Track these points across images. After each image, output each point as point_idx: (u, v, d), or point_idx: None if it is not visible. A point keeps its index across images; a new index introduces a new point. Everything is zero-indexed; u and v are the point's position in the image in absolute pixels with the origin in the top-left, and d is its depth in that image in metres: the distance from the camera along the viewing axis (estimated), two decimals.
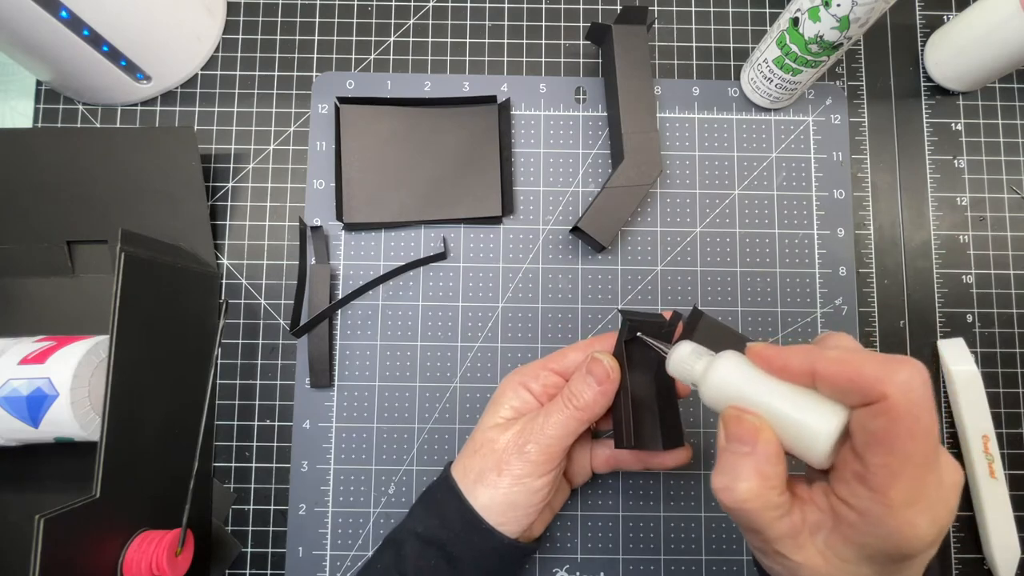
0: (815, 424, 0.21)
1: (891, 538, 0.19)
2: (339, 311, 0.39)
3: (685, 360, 0.25)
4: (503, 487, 0.29)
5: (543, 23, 0.42)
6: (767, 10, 0.43)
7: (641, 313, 0.31)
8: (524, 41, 0.42)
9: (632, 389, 0.30)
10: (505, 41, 0.42)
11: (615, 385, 0.29)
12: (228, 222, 0.40)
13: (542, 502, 0.30)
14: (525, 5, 0.42)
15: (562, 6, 0.43)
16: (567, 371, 0.32)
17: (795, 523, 0.21)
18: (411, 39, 0.42)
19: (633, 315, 0.30)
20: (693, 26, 0.42)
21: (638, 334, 0.29)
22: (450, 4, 0.42)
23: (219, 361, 0.39)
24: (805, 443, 0.21)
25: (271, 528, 0.38)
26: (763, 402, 0.22)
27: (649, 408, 0.30)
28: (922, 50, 0.42)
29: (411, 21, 0.42)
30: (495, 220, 0.40)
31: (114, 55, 0.37)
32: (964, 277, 0.40)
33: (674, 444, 0.30)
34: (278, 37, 0.42)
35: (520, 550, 0.30)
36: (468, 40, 0.42)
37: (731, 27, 0.42)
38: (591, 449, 0.34)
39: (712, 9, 0.43)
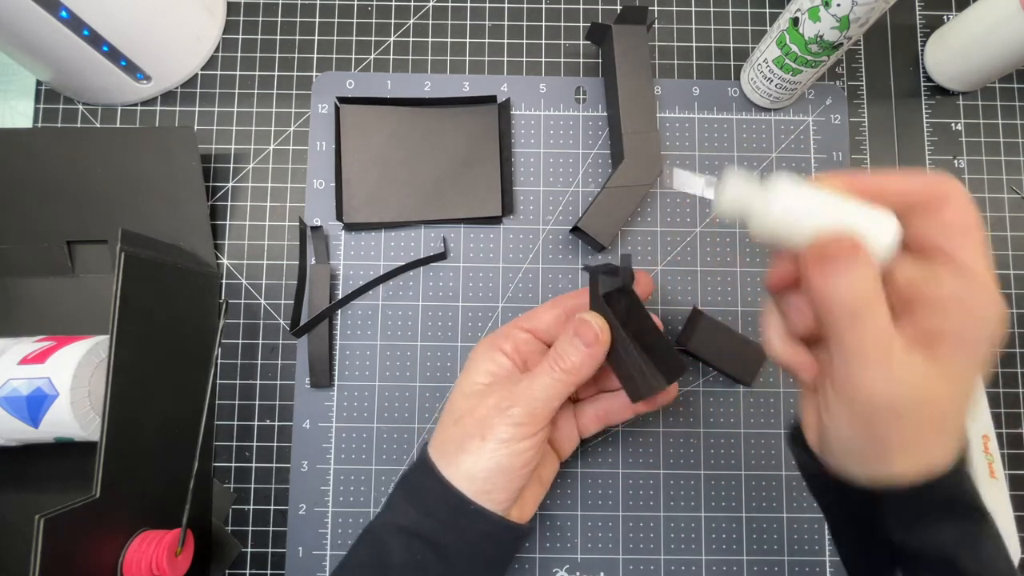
0: (885, 223, 0.21)
1: (992, 308, 0.20)
2: (339, 311, 0.39)
3: (744, 196, 0.23)
4: (487, 451, 0.28)
5: (543, 23, 0.42)
6: (767, 10, 0.43)
7: (600, 265, 0.31)
8: (524, 41, 0.42)
9: (621, 340, 0.30)
10: (505, 41, 0.42)
11: (605, 347, 0.29)
12: (228, 222, 0.40)
13: (527, 466, 0.28)
14: (525, 5, 0.42)
15: (562, 6, 0.43)
16: (539, 330, 0.31)
17: (887, 326, 0.21)
18: (411, 39, 0.42)
19: (595, 268, 0.31)
20: (693, 26, 0.42)
21: (599, 277, 0.30)
22: (450, 4, 0.42)
23: (219, 361, 0.39)
24: (875, 240, 0.21)
25: (271, 528, 0.38)
26: (832, 219, 0.22)
27: (637, 354, 0.30)
28: (922, 50, 0.42)
29: (411, 21, 0.42)
30: (495, 220, 0.40)
31: (114, 55, 0.37)
32: None
33: (676, 375, 0.30)
34: (278, 37, 0.42)
35: (512, 531, 0.29)
36: (468, 40, 0.42)
37: (731, 27, 0.42)
38: (575, 413, 0.34)
39: (712, 9, 0.43)
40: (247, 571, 0.37)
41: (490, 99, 0.41)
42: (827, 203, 0.22)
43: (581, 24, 0.42)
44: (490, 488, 0.28)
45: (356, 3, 0.42)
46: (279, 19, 0.42)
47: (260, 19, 0.42)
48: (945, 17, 0.43)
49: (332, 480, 0.38)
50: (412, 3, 0.42)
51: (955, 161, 0.41)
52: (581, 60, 0.42)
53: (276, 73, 0.41)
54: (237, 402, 0.39)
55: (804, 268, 0.21)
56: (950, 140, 0.42)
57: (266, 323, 0.39)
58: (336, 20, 0.42)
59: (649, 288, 0.33)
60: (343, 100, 0.40)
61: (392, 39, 0.42)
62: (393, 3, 0.42)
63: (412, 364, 0.39)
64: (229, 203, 0.40)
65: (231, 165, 0.41)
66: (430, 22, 0.42)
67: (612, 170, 0.39)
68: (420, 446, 0.32)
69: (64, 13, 0.33)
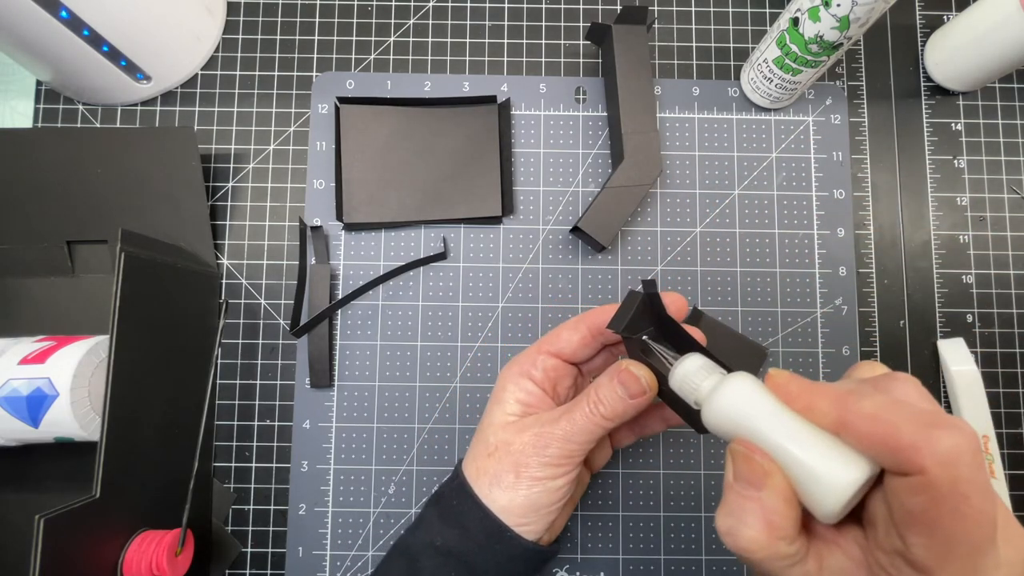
0: (830, 476, 0.18)
1: None
2: (339, 311, 0.39)
3: (691, 376, 0.22)
4: (523, 489, 0.28)
5: (543, 23, 0.42)
6: (767, 10, 0.43)
7: (621, 311, 0.28)
8: (524, 41, 0.42)
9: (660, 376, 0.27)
10: (505, 41, 0.42)
11: (651, 397, 0.27)
12: (228, 222, 0.40)
13: (562, 500, 0.29)
14: (525, 5, 0.42)
15: (562, 6, 0.43)
16: (563, 352, 0.30)
17: (809, 572, 0.19)
18: (411, 39, 0.42)
19: (620, 321, 0.27)
20: (693, 26, 0.42)
21: (644, 338, 0.27)
22: (450, 4, 0.42)
23: (219, 361, 0.39)
24: (815, 495, 0.18)
25: (271, 528, 0.38)
26: (773, 440, 0.19)
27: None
28: (922, 50, 0.42)
29: (411, 21, 0.42)
30: (495, 220, 0.40)
31: (114, 55, 0.37)
32: (964, 277, 0.40)
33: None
34: (278, 37, 0.42)
35: (543, 555, 0.29)
36: (468, 40, 0.42)
37: (731, 27, 0.42)
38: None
39: (712, 9, 0.43)
40: (247, 571, 0.37)
41: (490, 99, 0.41)
42: (777, 423, 0.19)
43: (581, 24, 0.42)
44: (524, 522, 0.28)
45: (356, 3, 0.42)
46: (279, 19, 0.42)
47: (260, 19, 0.42)
48: (945, 17, 0.43)
49: (332, 480, 0.38)
50: (412, 3, 0.42)
51: (955, 161, 0.41)
52: (581, 60, 0.42)
53: (276, 73, 0.41)
54: (237, 402, 0.39)
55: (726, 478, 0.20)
56: (950, 140, 0.42)
57: (266, 323, 0.39)
58: (336, 20, 0.42)
59: (681, 306, 0.30)
60: (343, 100, 0.40)
61: (392, 39, 0.42)
62: (393, 3, 0.42)
63: (412, 364, 0.39)
64: (229, 203, 0.40)
65: (231, 165, 0.41)
66: (430, 22, 0.42)
67: (612, 170, 0.39)
68: (455, 466, 0.32)
69: (64, 13, 0.33)
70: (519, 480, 0.28)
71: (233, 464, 0.38)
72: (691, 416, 0.27)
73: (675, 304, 0.29)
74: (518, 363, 0.31)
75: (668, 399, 0.28)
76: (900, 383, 0.19)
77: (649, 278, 0.32)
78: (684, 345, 0.27)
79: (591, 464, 0.33)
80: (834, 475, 0.18)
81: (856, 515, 0.19)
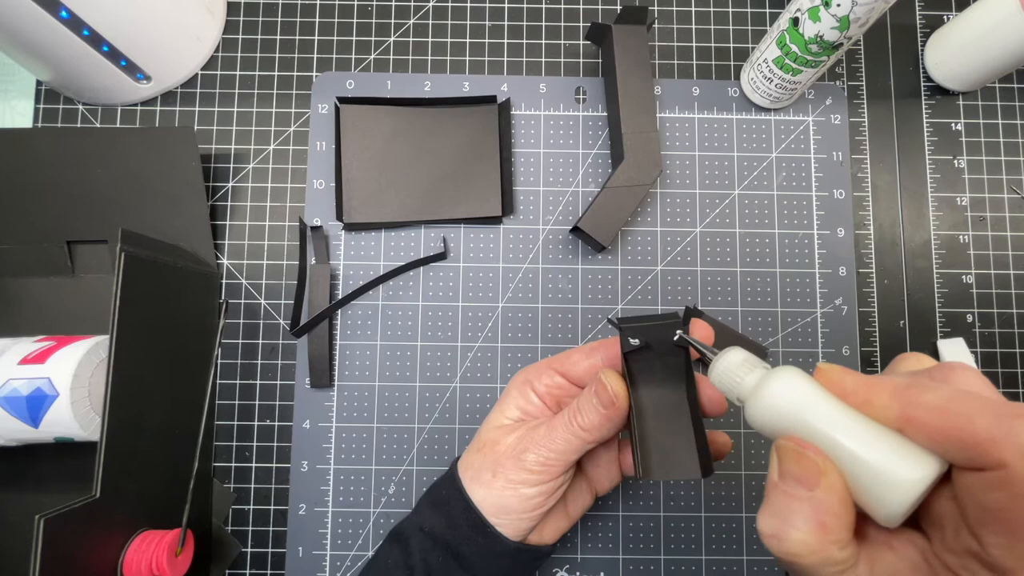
0: (895, 474, 0.17)
1: None
2: (339, 311, 0.39)
3: (733, 370, 0.21)
4: (496, 488, 0.28)
5: (543, 23, 0.42)
6: (767, 10, 0.43)
7: (639, 318, 0.28)
8: (524, 41, 0.42)
9: (655, 406, 0.27)
10: (505, 41, 0.42)
11: (621, 412, 0.27)
12: (228, 222, 0.40)
13: (535, 510, 0.28)
14: (525, 5, 0.42)
15: (562, 6, 0.43)
16: (570, 373, 0.31)
17: None
18: (411, 39, 0.42)
19: (629, 321, 0.27)
20: (693, 26, 0.42)
21: (679, 334, 0.26)
22: (450, 4, 0.42)
23: (219, 361, 0.39)
24: (876, 495, 0.17)
25: (271, 528, 0.38)
26: (829, 436, 0.18)
27: (678, 427, 0.26)
28: (922, 50, 0.42)
29: (411, 21, 0.42)
30: (495, 220, 0.40)
31: (114, 55, 0.37)
32: (964, 277, 0.40)
33: (710, 469, 0.26)
34: (278, 37, 0.42)
35: (530, 553, 0.30)
36: (468, 40, 0.42)
37: (731, 27, 0.42)
38: (619, 451, 0.32)
39: (712, 9, 0.43)
40: (247, 571, 0.37)
41: (490, 99, 0.41)
42: (833, 418, 0.18)
43: (581, 24, 0.42)
44: (498, 522, 0.29)
45: (356, 3, 0.42)
46: (279, 19, 0.42)
47: (260, 19, 0.42)
48: (945, 17, 0.43)
49: (332, 480, 0.38)
50: (412, 3, 0.42)
51: (955, 161, 0.41)
52: (581, 60, 0.42)
53: (276, 73, 0.41)
54: (237, 402, 0.39)
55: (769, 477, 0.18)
56: (950, 140, 0.42)
57: (266, 323, 0.39)
58: (336, 20, 0.42)
59: (708, 337, 0.28)
60: (343, 100, 0.40)
61: (392, 39, 0.42)
62: (393, 3, 0.42)
63: (412, 364, 0.39)
64: (229, 203, 0.40)
65: (231, 165, 0.41)
66: (430, 22, 0.42)
67: (612, 170, 0.39)
68: (454, 459, 0.32)
69: (64, 13, 0.33)
70: (495, 479, 0.28)
71: (233, 464, 0.38)
72: (640, 455, 0.26)
73: (703, 332, 0.28)
74: (526, 372, 0.31)
75: (629, 426, 0.27)
76: (960, 373, 0.18)
77: (695, 307, 0.31)
78: (689, 393, 0.27)
79: (596, 483, 0.32)
80: (900, 473, 0.17)
81: (912, 516, 0.18)
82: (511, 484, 0.28)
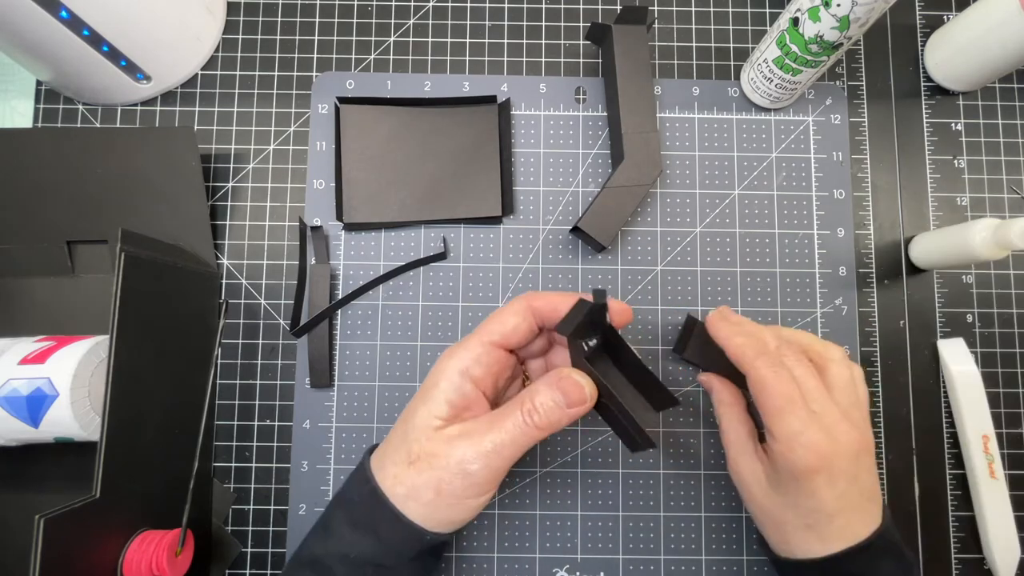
0: None
1: (783, 461, 0.28)
2: (339, 311, 0.39)
3: None
4: (442, 508, 0.26)
5: (543, 23, 0.42)
6: (767, 10, 0.43)
7: (566, 317, 0.28)
8: (524, 41, 0.42)
9: (616, 383, 0.28)
10: (505, 41, 0.42)
11: (587, 409, 0.26)
12: (228, 222, 0.40)
13: (476, 511, 0.28)
14: (525, 5, 0.42)
15: (562, 6, 0.43)
16: (508, 340, 0.28)
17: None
18: (411, 39, 0.42)
19: (571, 324, 0.27)
20: (693, 26, 0.42)
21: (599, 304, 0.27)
22: (450, 4, 0.42)
23: (219, 361, 0.39)
24: None
25: (271, 528, 0.38)
26: None
27: (625, 388, 0.28)
28: (922, 50, 0.42)
29: (411, 21, 0.42)
30: (495, 220, 0.40)
31: (114, 55, 0.37)
32: (964, 277, 0.40)
33: (665, 404, 0.29)
34: (278, 37, 0.42)
35: (448, 544, 0.30)
36: (468, 40, 0.42)
37: (731, 27, 0.42)
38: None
39: (712, 9, 0.43)
40: (247, 571, 0.37)
41: (490, 99, 0.41)
42: None
43: (581, 24, 0.42)
44: (441, 530, 0.27)
45: (356, 3, 0.42)
46: (279, 19, 0.42)
47: (260, 19, 0.42)
48: (945, 17, 0.43)
49: (332, 480, 0.38)
50: (412, 3, 0.42)
51: (955, 161, 0.41)
52: (581, 60, 0.42)
53: (276, 73, 0.41)
54: (237, 402, 0.39)
55: None
56: (950, 140, 0.42)
57: (266, 323, 0.39)
58: (336, 20, 0.42)
59: (627, 318, 0.30)
60: (343, 100, 0.40)
61: (392, 39, 0.42)
62: (393, 3, 0.42)
63: (412, 364, 0.39)
64: (229, 203, 0.40)
65: (231, 165, 0.41)
66: (430, 22, 0.42)
67: (612, 170, 0.39)
68: (362, 459, 0.30)
69: (64, 13, 0.33)
70: (439, 498, 0.26)
71: (233, 464, 0.38)
72: (627, 434, 0.28)
73: (622, 315, 0.30)
74: (458, 357, 0.28)
75: (605, 413, 0.28)
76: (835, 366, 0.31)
77: (600, 288, 0.32)
78: (623, 356, 0.29)
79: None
80: None
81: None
82: (460, 500, 0.26)
